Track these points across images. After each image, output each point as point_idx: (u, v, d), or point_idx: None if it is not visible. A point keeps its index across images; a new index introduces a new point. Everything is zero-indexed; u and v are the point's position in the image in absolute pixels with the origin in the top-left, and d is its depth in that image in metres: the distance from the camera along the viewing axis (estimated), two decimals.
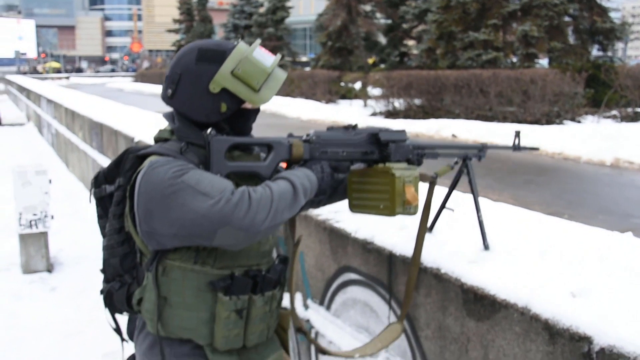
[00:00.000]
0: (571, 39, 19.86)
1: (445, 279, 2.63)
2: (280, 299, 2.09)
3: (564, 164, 9.82)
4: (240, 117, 1.96)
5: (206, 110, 1.87)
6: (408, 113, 17.75)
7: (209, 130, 1.80)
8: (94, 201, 2.08)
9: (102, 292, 2.01)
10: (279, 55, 2.02)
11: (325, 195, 2.06)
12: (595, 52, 20.52)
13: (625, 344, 1.97)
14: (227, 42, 1.95)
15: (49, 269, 6.01)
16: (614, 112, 15.41)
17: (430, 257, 2.80)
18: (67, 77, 62.17)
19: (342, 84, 24.76)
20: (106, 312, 2.06)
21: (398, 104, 18.56)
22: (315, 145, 2.03)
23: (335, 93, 23.99)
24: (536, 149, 2.88)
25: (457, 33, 19.79)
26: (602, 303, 2.19)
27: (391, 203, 2.09)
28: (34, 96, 20.41)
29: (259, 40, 1.97)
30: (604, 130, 12.06)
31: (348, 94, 24.22)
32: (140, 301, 1.91)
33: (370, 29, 30.81)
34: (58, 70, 79.02)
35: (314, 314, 3.47)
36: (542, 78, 14.61)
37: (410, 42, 30.36)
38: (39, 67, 78.98)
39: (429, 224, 3.45)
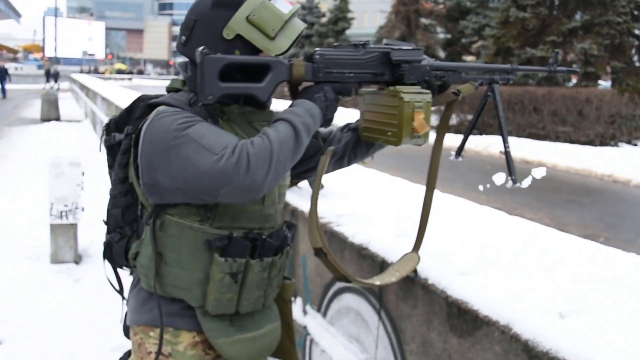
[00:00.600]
0: (635, 60, 19.27)
1: (431, 290, 2.52)
2: (283, 267, 1.99)
3: (612, 187, 9.50)
4: (256, 72, 1.80)
5: None
6: (459, 128, 17.49)
7: (201, 49, 1.66)
8: (104, 150, 2.00)
9: (104, 244, 1.97)
10: (297, 5, 1.91)
11: (330, 123, 1.89)
12: None
13: None
14: None
15: (77, 260, 6.06)
16: None
17: (419, 266, 2.67)
18: (130, 79, 63.70)
19: None
20: (105, 266, 2.00)
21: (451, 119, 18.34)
22: (318, 65, 1.86)
23: None
24: (576, 71, 2.63)
25: (514, 49, 19.44)
26: (590, 326, 2.04)
27: (398, 130, 1.90)
28: (92, 94, 20.91)
29: None
30: None
31: None
32: (136, 255, 1.85)
33: (429, 42, 30.58)
34: (122, 72, 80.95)
35: (311, 321, 3.40)
36: (598, 98, 14.20)
37: (469, 57, 30.03)
38: (101, 68, 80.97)
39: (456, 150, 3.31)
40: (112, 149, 1.96)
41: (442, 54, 31.49)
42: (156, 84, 56.67)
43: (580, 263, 2.81)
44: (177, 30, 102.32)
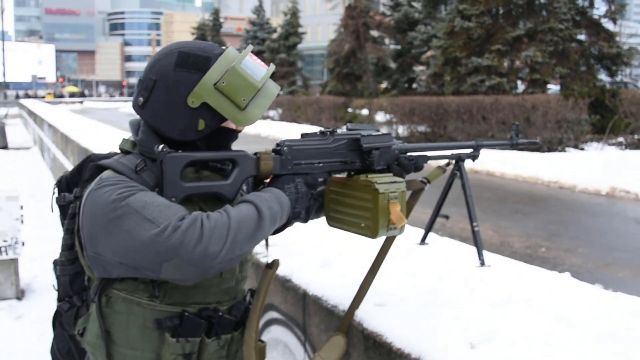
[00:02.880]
0: (580, 65, 19.67)
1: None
2: (244, 341, 1.83)
3: (558, 193, 9.62)
4: (219, 135, 1.70)
5: (181, 126, 1.62)
6: (411, 139, 17.62)
7: (160, 147, 1.54)
8: (56, 209, 1.85)
9: (55, 311, 1.84)
10: (272, 66, 1.72)
11: (301, 219, 1.79)
12: (604, 77, 20.29)
13: None
14: (214, 45, 1.68)
15: (19, 296, 5.89)
16: (620, 139, 15.16)
17: (339, 296, 2.63)
18: (81, 102, 62.80)
19: (349, 110, 24.77)
20: (54, 334, 1.89)
21: (402, 130, 18.49)
22: (287, 157, 1.76)
23: (340, 119, 23.98)
24: (535, 142, 2.63)
25: (461, 59, 19.69)
26: (500, 356, 2.02)
27: (373, 223, 1.81)
28: (39, 120, 20.61)
29: (250, 47, 1.71)
30: (605, 157, 11.84)
31: (354, 120, 24.20)
32: (84, 331, 1.71)
33: (379, 54, 30.83)
34: (73, 95, 79.77)
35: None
36: (544, 105, 14.44)
37: (420, 68, 30.34)
38: (41, 92, 79.27)
39: (422, 236, 3.28)
40: (64, 209, 1.81)
41: (392, 65, 31.78)
42: (108, 106, 56.10)
43: (496, 287, 2.79)
44: (129, 50, 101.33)
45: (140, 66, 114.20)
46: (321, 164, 1.82)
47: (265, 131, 23.33)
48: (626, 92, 15.99)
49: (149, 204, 1.49)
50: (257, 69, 1.65)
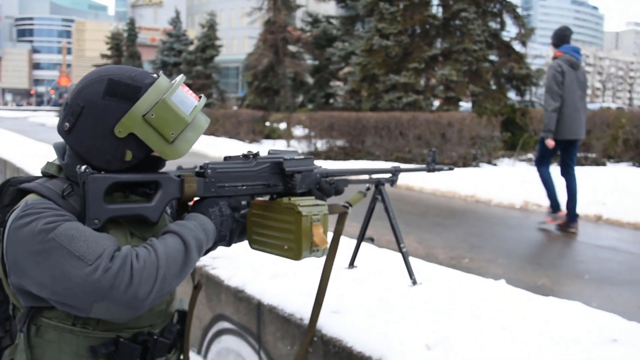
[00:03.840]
0: (492, 84, 20.47)
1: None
2: None
3: (475, 207, 9.98)
4: (147, 163, 1.66)
5: (107, 156, 1.59)
6: (329, 154, 17.84)
7: (83, 168, 1.50)
8: None
9: None
10: (203, 99, 1.71)
11: (225, 241, 1.79)
12: (514, 96, 21.19)
13: None
14: (146, 74, 1.64)
15: None
16: (530, 155, 15.86)
17: (294, 306, 2.73)
18: None
19: (267, 123, 24.80)
20: None
21: (320, 144, 18.68)
22: (210, 179, 1.75)
23: (259, 133, 23.97)
24: (452, 168, 2.78)
25: (379, 76, 20.12)
26: (455, 356, 2.16)
27: (297, 245, 1.84)
28: None
29: (182, 77, 1.68)
30: (516, 173, 12.38)
31: (272, 134, 24.23)
32: None
33: (297, 69, 31.05)
34: None
35: None
36: (459, 122, 14.94)
37: (337, 83, 30.74)
38: None
39: (349, 260, 3.38)
40: None
41: (310, 80, 32.06)
42: (17, 115, 54.03)
43: (440, 294, 2.96)
44: (38, 57, 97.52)
45: (50, 74, 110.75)
46: (244, 187, 1.84)
47: None
48: (535, 111, 16.75)
49: (76, 238, 1.45)
50: (188, 100, 1.64)
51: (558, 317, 2.58)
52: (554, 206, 7.88)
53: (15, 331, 1.65)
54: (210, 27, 41.43)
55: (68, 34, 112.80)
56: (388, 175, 2.68)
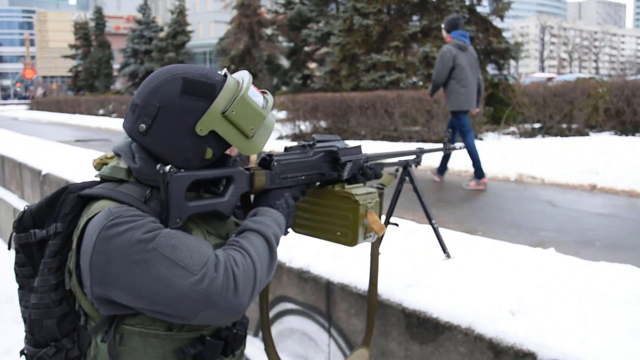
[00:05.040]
0: None
1: (386, 304, 2.67)
2: (242, 352, 1.87)
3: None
4: (218, 162, 1.69)
5: (187, 154, 1.60)
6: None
7: (167, 168, 1.50)
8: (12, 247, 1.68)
9: (28, 357, 1.65)
10: (270, 97, 1.76)
11: (287, 232, 1.81)
12: (491, 71, 21.37)
13: (568, 357, 2.06)
14: (212, 71, 1.68)
15: None
16: (513, 128, 16.07)
17: (364, 282, 2.83)
18: None
19: None
20: None
21: (304, 126, 18.70)
22: (276, 171, 1.79)
23: None
24: (462, 147, 2.91)
25: (360, 55, 20.14)
26: (540, 320, 2.28)
27: (352, 232, 1.95)
28: None
29: (248, 76, 1.71)
30: (505, 146, 12.56)
31: None
32: None
33: (273, 52, 30.96)
34: None
35: (249, 346, 3.44)
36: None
37: (313, 65, 30.70)
38: None
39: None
40: (29, 248, 1.67)
41: (285, 62, 32.00)
42: None
43: (502, 264, 3.08)
44: (0, 50, 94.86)
45: (13, 67, 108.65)
46: (303, 177, 1.89)
47: None
48: (518, 84, 16.96)
49: (178, 248, 1.46)
50: (258, 98, 1.69)
51: (616, 279, 2.70)
52: (479, 173, 8.94)
53: (84, 342, 1.62)
54: (180, 13, 41.07)
55: (30, 25, 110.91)
56: (413, 157, 2.79)
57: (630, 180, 8.95)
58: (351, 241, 1.97)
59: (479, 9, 20.73)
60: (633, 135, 13.28)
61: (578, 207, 7.96)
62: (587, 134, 14.28)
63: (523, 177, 10.01)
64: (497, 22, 20.96)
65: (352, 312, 2.80)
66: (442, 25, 9.09)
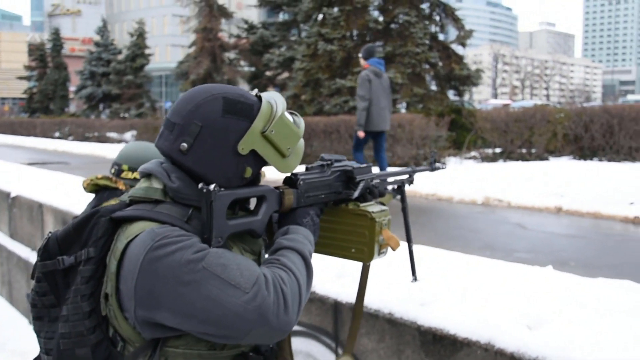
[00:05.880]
0: (432, 85, 20.96)
1: (399, 322, 2.71)
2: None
3: (439, 205, 10.27)
4: (251, 180, 1.72)
5: (229, 173, 1.62)
6: None
7: (212, 186, 1.51)
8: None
9: None
10: (300, 118, 1.78)
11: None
12: (451, 97, 21.75)
13: None
14: (246, 91, 1.70)
15: None
16: (474, 153, 16.36)
17: (380, 302, 2.87)
18: None
19: None
20: None
21: None
22: (301, 190, 1.82)
23: None
24: (444, 166, 2.99)
25: (323, 80, 20.32)
26: (558, 334, 2.34)
27: (369, 249, 2.00)
28: None
29: (281, 97, 1.74)
30: (469, 171, 12.80)
31: None
32: None
33: (234, 76, 30.99)
34: None
35: None
36: (409, 123, 15.29)
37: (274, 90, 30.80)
38: None
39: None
40: (53, 276, 1.61)
41: (246, 87, 32.03)
42: None
43: (504, 282, 3.16)
44: None
45: None
46: (323, 195, 1.92)
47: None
48: (479, 111, 17.30)
49: (228, 267, 1.47)
50: (293, 118, 1.73)
51: (617, 293, 2.78)
52: None
53: None
54: (140, 36, 40.87)
55: None
56: (407, 177, 2.86)
57: (594, 202, 9.21)
58: (367, 257, 2.02)
59: (441, 36, 21.18)
60: (591, 159, 13.64)
61: (547, 229, 8.16)
62: (547, 159, 14.62)
63: (490, 200, 10.20)
64: (459, 49, 21.47)
65: (362, 331, 2.83)
66: (360, 54, 9.77)
